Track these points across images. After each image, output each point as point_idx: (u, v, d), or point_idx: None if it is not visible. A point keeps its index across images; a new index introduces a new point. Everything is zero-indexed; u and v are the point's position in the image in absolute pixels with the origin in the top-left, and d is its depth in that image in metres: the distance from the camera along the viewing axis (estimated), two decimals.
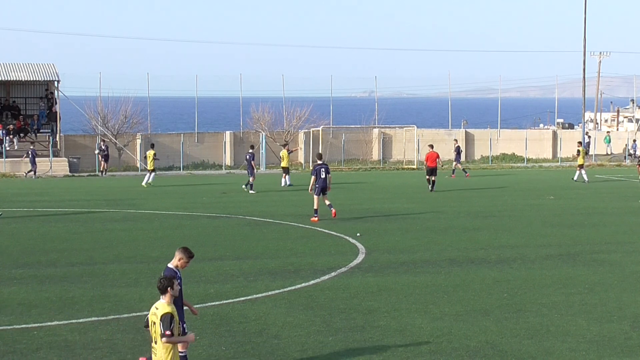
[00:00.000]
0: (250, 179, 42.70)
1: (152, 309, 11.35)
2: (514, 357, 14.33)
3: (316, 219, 31.16)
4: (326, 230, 28.86)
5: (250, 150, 44.21)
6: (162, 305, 11.26)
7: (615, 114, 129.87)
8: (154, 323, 11.20)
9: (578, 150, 51.71)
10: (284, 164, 46.95)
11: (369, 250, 24.83)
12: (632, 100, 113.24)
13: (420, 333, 15.77)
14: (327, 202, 31.65)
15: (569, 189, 45.20)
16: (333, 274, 21.42)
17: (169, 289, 11.41)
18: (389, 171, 59.71)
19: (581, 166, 50.24)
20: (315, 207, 31.54)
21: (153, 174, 46.72)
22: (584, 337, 15.42)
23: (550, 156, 71.81)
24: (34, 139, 56.80)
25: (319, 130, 61.99)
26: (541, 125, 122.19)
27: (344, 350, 14.70)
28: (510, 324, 16.38)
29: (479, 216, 33.34)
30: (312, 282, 20.42)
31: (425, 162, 44.64)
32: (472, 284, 20.27)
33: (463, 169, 55.13)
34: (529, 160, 67.46)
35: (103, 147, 54.96)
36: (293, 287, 19.77)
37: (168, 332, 11.06)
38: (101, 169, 54.77)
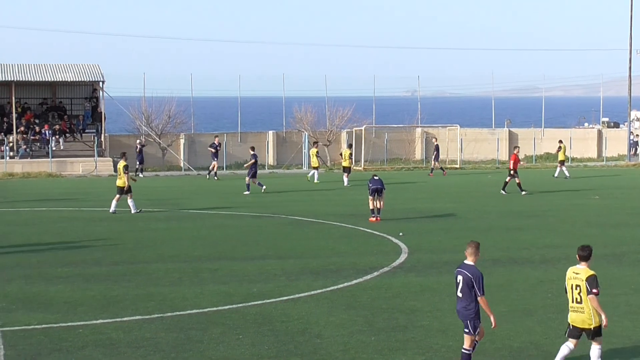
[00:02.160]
0: (246, 178, 42.18)
1: (571, 273, 13.35)
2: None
3: (374, 219, 31.07)
4: (369, 230, 28.83)
5: (252, 152, 43.80)
6: (585, 270, 13.21)
7: None
8: (578, 286, 13.14)
9: (559, 147, 52.15)
10: (345, 163, 47.05)
11: (412, 250, 24.77)
12: None
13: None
14: (379, 206, 31.40)
15: (615, 188, 44.70)
16: (375, 273, 21.39)
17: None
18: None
19: (562, 162, 51.30)
20: (370, 207, 31.42)
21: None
22: (629, 339, 15.26)
23: (595, 155, 71.08)
24: (79, 139, 57.38)
25: (361, 130, 61.94)
26: (586, 124, 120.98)
27: (387, 350, 14.68)
28: (554, 325, 16.25)
29: (522, 216, 33.11)
30: (354, 281, 20.42)
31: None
32: (516, 284, 20.14)
33: (441, 167, 54.41)
34: (573, 159, 66.82)
35: (137, 146, 54.76)
36: (335, 287, 19.78)
37: (595, 290, 13.03)
38: (136, 168, 54.52)
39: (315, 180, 47.72)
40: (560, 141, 53.68)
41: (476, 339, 13.44)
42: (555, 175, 51.22)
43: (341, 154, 49.07)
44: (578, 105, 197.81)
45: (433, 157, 55.57)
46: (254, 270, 21.77)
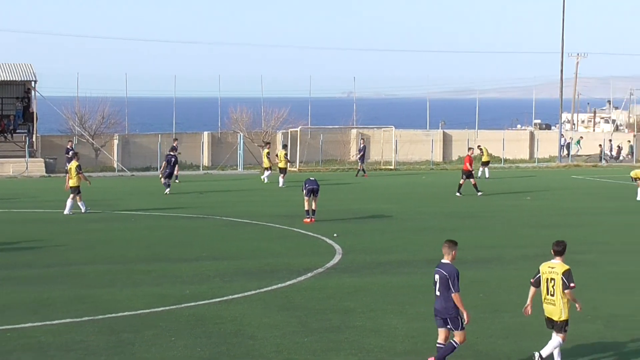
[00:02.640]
0: (166, 179, 42.16)
1: (546, 268, 13.95)
2: (489, 357, 14.38)
3: (308, 220, 31.07)
4: (303, 231, 28.84)
5: (171, 153, 43.75)
6: (560, 265, 13.86)
7: (592, 115, 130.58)
8: (554, 279, 13.71)
9: (480, 149, 53.52)
10: (281, 164, 47.07)
11: (346, 251, 24.84)
12: (609, 102, 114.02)
13: (396, 333, 15.79)
14: (314, 207, 31.43)
15: (546, 189, 45.37)
16: (310, 274, 21.41)
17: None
18: (367, 171, 59.69)
19: (485, 164, 52.50)
20: (306, 208, 31.43)
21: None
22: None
23: (527, 157, 72.07)
24: (10, 139, 56.41)
25: (297, 131, 61.95)
26: (519, 126, 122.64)
27: (320, 351, 14.69)
28: (486, 324, 16.43)
29: (456, 217, 33.43)
30: (288, 282, 20.41)
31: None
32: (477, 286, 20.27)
33: (362, 169, 54.40)
34: (506, 160, 67.69)
35: (68, 148, 54.01)
36: (269, 288, 19.75)
37: (573, 284, 13.68)
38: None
39: (265, 181, 47.93)
40: (479, 146, 54.84)
41: (453, 339, 13.64)
42: (485, 175, 52.00)
43: (277, 155, 49.06)
44: (512, 107, 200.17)
45: (358, 157, 55.54)
46: (188, 272, 21.63)
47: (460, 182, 41.84)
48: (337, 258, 23.79)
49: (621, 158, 72.08)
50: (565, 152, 71.97)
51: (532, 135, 75.17)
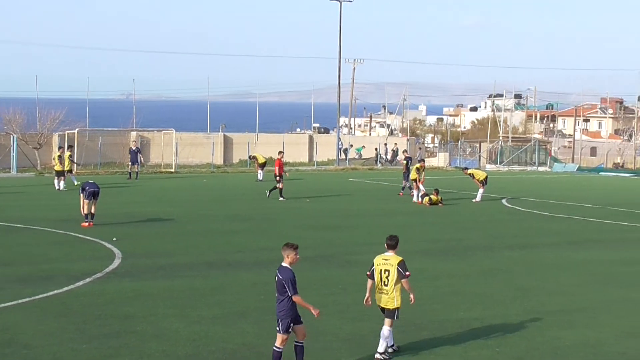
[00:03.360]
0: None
1: (380, 260, 14.76)
2: (270, 358, 14.48)
3: (87, 224, 30.23)
4: (81, 235, 28.08)
5: None
6: (394, 257, 14.76)
7: (368, 119, 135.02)
8: (388, 270, 14.59)
9: (254, 157, 56.10)
10: (59, 167, 45.53)
11: (126, 255, 24.40)
12: (384, 107, 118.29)
13: (178, 337, 15.65)
14: (93, 211, 30.68)
15: (325, 192, 46.40)
16: (88, 279, 20.86)
17: None
18: (147, 174, 59.00)
19: (262, 166, 54.02)
20: (85, 211, 30.56)
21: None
22: (337, 336, 15.86)
23: (307, 160, 73.50)
24: None
25: (74, 133, 60.28)
26: (298, 129, 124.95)
27: (99, 357, 14.34)
28: (267, 326, 16.56)
29: (237, 219, 33.59)
30: (65, 288, 19.79)
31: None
32: (230, 287, 20.37)
33: (130, 172, 54.02)
34: (285, 163, 68.64)
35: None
36: (45, 294, 19.08)
37: (408, 273, 14.64)
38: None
39: (75, 182, 46.53)
40: (253, 157, 56.05)
41: (297, 339, 13.64)
42: (259, 178, 52.92)
43: (54, 158, 47.53)
44: (291, 111, 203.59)
45: (131, 160, 54.67)
46: None
47: (279, 187, 41.81)
48: (116, 262, 23.32)
49: (396, 161, 74.82)
50: (343, 155, 73.95)
51: (311, 138, 76.79)
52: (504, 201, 43.51)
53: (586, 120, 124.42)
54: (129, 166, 54.42)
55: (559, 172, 75.02)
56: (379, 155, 74.60)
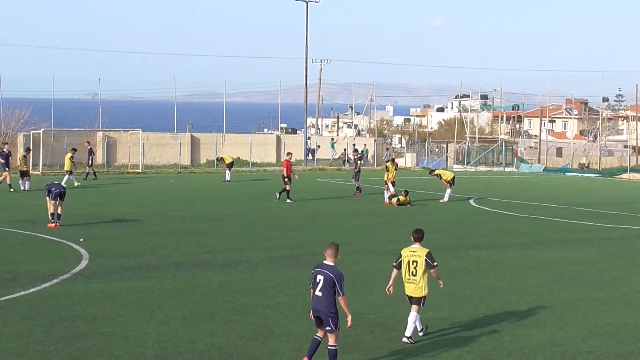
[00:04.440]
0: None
1: (407, 252, 15.80)
2: (239, 358, 14.49)
3: (53, 224, 30.01)
4: (48, 236, 27.88)
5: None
6: (421, 249, 15.81)
7: (336, 119, 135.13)
8: (416, 261, 15.64)
9: (221, 158, 56.08)
10: (23, 168, 45.18)
11: (93, 256, 24.25)
12: (351, 107, 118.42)
13: (146, 338, 15.59)
14: (59, 212, 30.49)
15: (292, 193, 46.37)
16: (55, 281, 20.72)
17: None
18: (114, 175, 58.70)
19: (229, 165, 53.89)
20: (51, 212, 30.35)
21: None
22: (305, 337, 15.85)
23: (274, 160, 73.47)
24: None
25: (39, 133, 59.80)
26: (265, 130, 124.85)
27: (66, 359, 14.25)
28: (235, 327, 16.56)
29: (205, 220, 33.50)
30: (32, 290, 19.64)
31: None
32: (198, 287, 20.32)
33: (87, 173, 53.15)
34: (253, 164, 68.64)
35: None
36: (11, 296, 18.92)
37: (436, 263, 15.78)
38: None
39: (75, 184, 47.17)
40: (219, 157, 56.07)
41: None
42: (227, 179, 52.94)
43: (19, 159, 47.11)
44: (258, 111, 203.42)
45: (88, 161, 54.06)
46: None
47: (287, 188, 41.42)
48: (83, 263, 23.18)
49: (363, 162, 74.97)
50: (310, 156, 73.99)
51: (278, 139, 76.76)
52: (471, 201, 43.76)
53: (552, 121, 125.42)
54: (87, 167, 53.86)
55: (525, 172, 75.57)
56: (347, 156, 74.71)
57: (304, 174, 62.74)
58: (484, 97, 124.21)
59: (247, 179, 57.11)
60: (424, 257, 15.70)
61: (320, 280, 13.81)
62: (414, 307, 15.81)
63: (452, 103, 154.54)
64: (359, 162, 47.01)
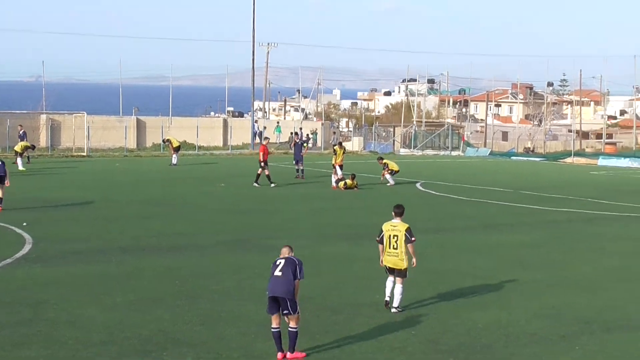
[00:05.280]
0: None
1: (388, 226, 16.80)
2: (186, 344, 14.44)
3: None
4: None
5: None
6: (401, 224, 16.78)
7: (283, 103, 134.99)
8: (396, 236, 16.60)
9: (168, 139, 55.13)
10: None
11: (37, 240, 23.96)
12: (298, 91, 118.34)
13: (92, 324, 15.46)
14: (0, 195, 30.13)
15: (240, 176, 46.28)
16: None
17: None
18: (58, 159, 58.01)
19: (176, 149, 53.36)
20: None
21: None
22: (253, 321, 15.86)
23: (221, 144, 73.19)
24: None
25: None
26: (212, 113, 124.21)
27: (10, 346, 14.06)
28: (182, 312, 16.49)
29: (151, 204, 33.30)
30: None
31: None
32: (144, 272, 20.19)
33: (28, 156, 51.90)
34: (200, 147, 68.31)
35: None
36: None
37: (414, 238, 16.79)
38: None
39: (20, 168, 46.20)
40: (167, 140, 55.25)
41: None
42: (174, 162, 52.46)
43: None
44: (206, 94, 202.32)
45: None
46: None
47: (259, 172, 41.12)
48: (27, 248, 22.89)
49: (310, 145, 74.94)
50: (258, 139, 73.81)
51: (225, 122, 76.46)
52: (418, 185, 44.02)
53: (497, 105, 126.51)
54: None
55: (471, 156, 76.22)
56: (292, 140, 74.65)
57: (251, 158, 62.61)
58: (431, 81, 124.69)
59: (194, 162, 56.82)
60: (404, 232, 16.58)
61: (280, 262, 13.85)
62: (399, 279, 16.67)
63: (399, 87, 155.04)
64: (305, 145, 46.97)
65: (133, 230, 26.52)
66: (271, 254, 22.97)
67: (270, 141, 47.11)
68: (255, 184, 40.57)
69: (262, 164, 41.11)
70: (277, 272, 13.77)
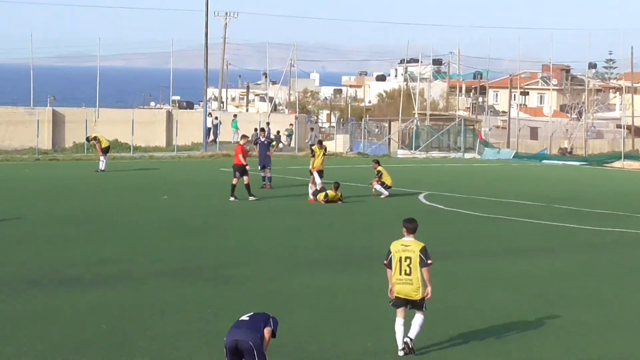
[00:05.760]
0: None
1: (399, 246, 16.83)
2: None
3: None
4: None
5: None
6: (415, 242, 16.85)
7: (245, 90, 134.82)
8: (409, 258, 16.58)
9: (95, 136, 54.92)
10: None
11: None
12: (265, 75, 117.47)
13: None
14: None
15: (189, 185, 46.12)
16: None
17: None
18: None
19: (105, 151, 53.19)
20: None
21: None
22: None
23: (164, 144, 72.93)
24: None
25: None
26: (152, 103, 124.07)
27: None
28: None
29: (71, 222, 33.10)
30: None
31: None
32: (61, 312, 19.98)
33: None
34: (136, 148, 68.07)
35: None
36: None
37: (430, 261, 16.66)
38: None
39: None
40: (93, 138, 54.90)
41: None
42: (101, 167, 52.14)
43: None
44: (143, 79, 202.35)
45: None
46: None
47: (233, 182, 40.25)
48: None
49: (281, 146, 74.71)
50: (212, 137, 73.70)
51: (169, 116, 76.27)
52: (421, 197, 44.01)
53: (524, 94, 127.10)
54: None
55: (490, 159, 76.40)
56: (259, 138, 74.55)
57: (203, 162, 62.57)
58: (437, 62, 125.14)
59: (127, 167, 56.60)
60: (418, 253, 16.59)
61: (248, 314, 13.89)
62: (419, 312, 16.72)
63: (395, 70, 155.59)
64: (273, 144, 46.78)
65: (46, 257, 26.31)
66: (229, 286, 22.85)
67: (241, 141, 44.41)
68: (231, 198, 39.98)
69: (237, 170, 40.36)
70: (244, 317, 13.75)
